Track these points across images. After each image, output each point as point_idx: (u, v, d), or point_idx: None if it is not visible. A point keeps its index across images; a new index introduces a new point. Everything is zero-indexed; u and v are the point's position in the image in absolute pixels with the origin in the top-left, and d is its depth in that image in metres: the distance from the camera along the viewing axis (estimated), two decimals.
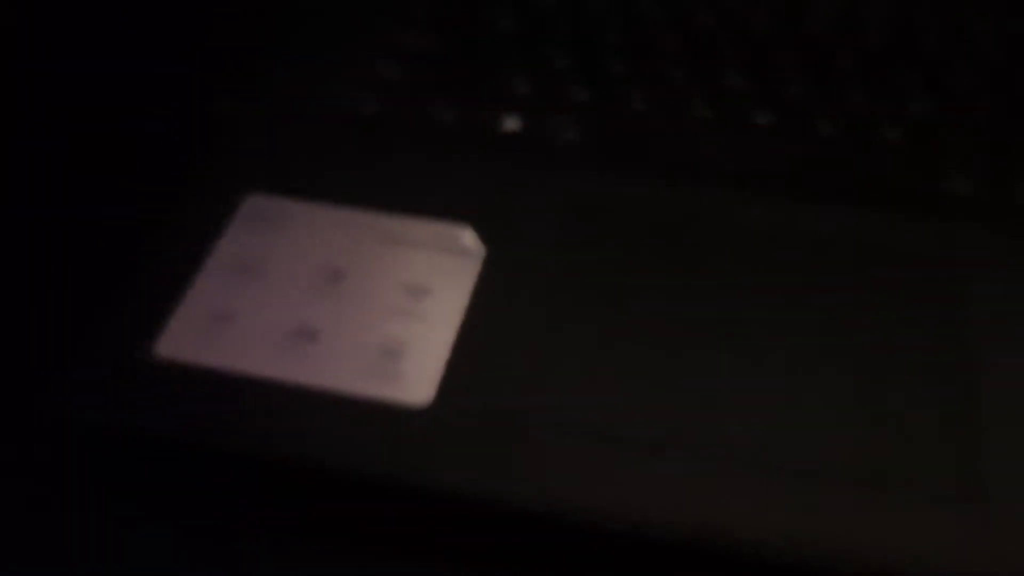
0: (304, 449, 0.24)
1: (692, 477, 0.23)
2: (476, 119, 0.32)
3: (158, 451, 0.26)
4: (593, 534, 0.23)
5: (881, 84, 0.32)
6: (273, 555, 0.24)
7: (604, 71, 0.34)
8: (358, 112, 0.33)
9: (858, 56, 0.33)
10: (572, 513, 0.23)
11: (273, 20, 0.36)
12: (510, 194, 0.30)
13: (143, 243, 0.30)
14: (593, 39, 0.35)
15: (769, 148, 0.31)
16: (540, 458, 0.24)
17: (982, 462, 0.23)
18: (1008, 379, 0.25)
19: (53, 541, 0.25)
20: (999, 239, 0.28)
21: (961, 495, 0.23)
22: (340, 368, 0.26)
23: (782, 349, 0.26)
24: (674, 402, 0.25)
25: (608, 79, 0.33)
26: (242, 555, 0.24)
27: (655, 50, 0.34)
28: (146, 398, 0.26)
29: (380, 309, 0.27)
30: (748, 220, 0.29)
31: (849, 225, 0.29)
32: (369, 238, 0.29)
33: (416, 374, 0.26)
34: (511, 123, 0.32)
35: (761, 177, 0.30)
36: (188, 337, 0.26)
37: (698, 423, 0.24)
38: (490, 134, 0.32)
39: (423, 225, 0.29)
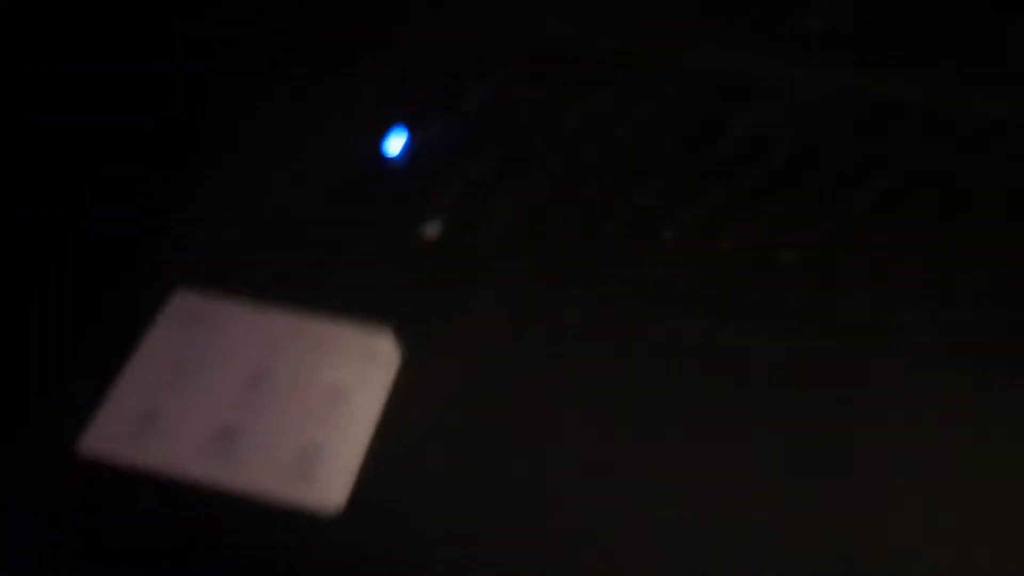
0: (218, 551, 0.25)
1: None
2: (403, 223, 0.34)
3: (80, 547, 0.27)
4: None
5: (781, 207, 0.35)
6: None
7: (527, 182, 0.36)
8: (289, 213, 0.34)
9: (760, 179, 0.36)
10: None
11: (207, 120, 0.38)
12: (431, 300, 0.32)
13: (71, 340, 0.30)
14: (518, 149, 0.37)
15: (675, 265, 0.33)
16: (450, 567, 0.25)
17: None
18: (881, 483, 0.27)
19: None
20: (884, 357, 0.31)
21: None
22: (257, 470, 0.27)
23: (684, 464, 0.28)
24: (581, 512, 0.26)
25: (530, 190, 0.35)
26: None
27: (574, 163, 0.36)
28: (69, 495, 0.26)
29: (300, 412, 0.28)
30: (655, 335, 0.31)
31: (746, 341, 0.31)
32: (293, 340, 0.30)
33: (330, 479, 0.27)
34: (434, 229, 0.34)
35: (667, 293, 0.32)
36: (112, 436, 0.27)
37: (598, 539, 0.26)
38: (416, 239, 0.34)
39: (345, 329, 0.30)
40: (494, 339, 0.31)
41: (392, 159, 0.37)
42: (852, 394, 0.30)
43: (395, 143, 0.37)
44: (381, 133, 0.37)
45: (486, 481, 0.27)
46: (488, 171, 0.36)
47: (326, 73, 0.40)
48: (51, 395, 0.28)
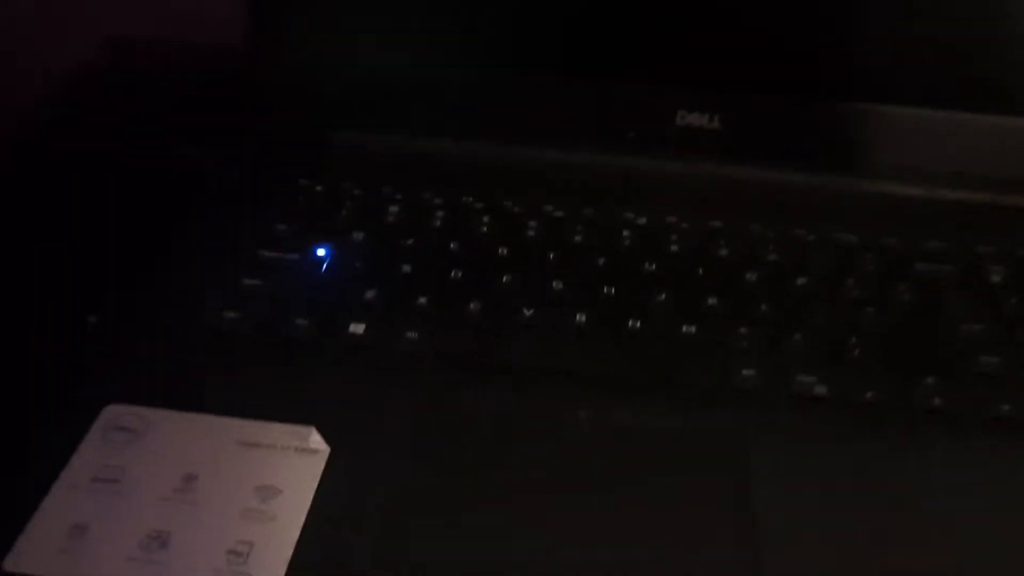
0: None
1: None
2: (327, 328, 0.36)
3: None
4: None
5: (679, 287, 0.38)
6: None
7: (444, 279, 0.38)
8: (220, 325, 0.36)
9: (660, 263, 0.39)
10: None
11: (142, 238, 0.40)
12: (355, 397, 0.33)
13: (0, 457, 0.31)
14: (434, 250, 0.39)
15: (588, 347, 0.35)
16: None
17: None
18: (783, 539, 0.29)
19: None
20: (779, 423, 0.33)
21: None
22: (189, 573, 0.28)
23: (605, 523, 0.30)
24: None
25: (448, 287, 0.38)
26: None
27: (489, 260, 0.39)
28: None
29: (230, 511, 0.29)
30: (567, 417, 0.33)
31: (654, 415, 0.33)
32: (221, 442, 0.31)
33: (261, 574, 0.27)
34: (357, 329, 0.36)
35: (578, 375, 0.35)
36: (39, 551, 0.28)
37: None
38: (340, 341, 0.35)
39: (272, 428, 0.32)
40: (417, 431, 0.32)
41: (316, 271, 0.39)
42: (750, 454, 0.32)
43: (318, 257, 0.39)
44: (304, 249, 0.39)
45: (414, 571, 0.28)
46: (405, 274, 0.38)
47: (249, 194, 0.43)
48: None
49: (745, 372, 0.34)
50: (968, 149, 0.44)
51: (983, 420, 0.33)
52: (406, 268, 0.38)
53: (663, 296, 0.38)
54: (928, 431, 0.33)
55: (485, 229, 0.41)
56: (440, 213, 0.42)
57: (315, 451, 0.31)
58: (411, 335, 0.35)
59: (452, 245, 0.40)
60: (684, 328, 0.36)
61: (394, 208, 0.42)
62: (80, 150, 0.45)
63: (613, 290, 0.38)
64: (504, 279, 0.38)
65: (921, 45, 0.42)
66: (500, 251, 0.40)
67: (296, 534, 0.29)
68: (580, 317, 0.36)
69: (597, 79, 0.45)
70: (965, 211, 0.43)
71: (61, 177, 0.44)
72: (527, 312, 0.37)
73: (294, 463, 0.31)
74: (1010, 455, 0.32)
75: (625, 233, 0.41)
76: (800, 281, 0.39)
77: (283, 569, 0.28)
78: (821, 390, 0.34)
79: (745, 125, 0.45)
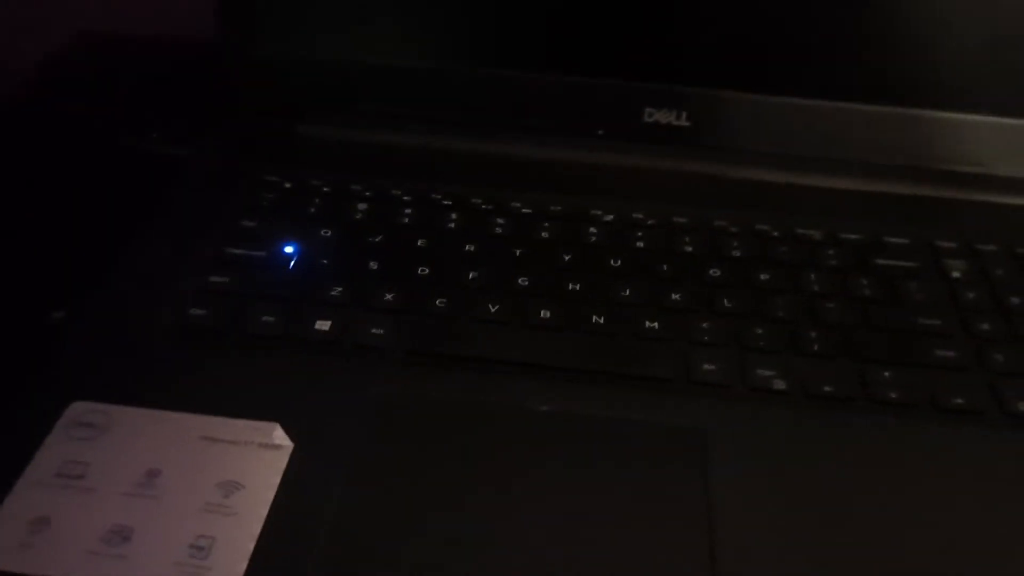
0: None
1: None
2: (293, 323, 0.36)
3: None
4: None
5: (643, 281, 0.38)
6: None
7: (410, 275, 0.38)
8: (186, 322, 0.36)
9: (625, 258, 0.39)
10: None
11: (108, 233, 0.40)
12: (320, 393, 0.33)
13: None
14: (401, 246, 0.40)
15: (552, 341, 0.36)
16: None
17: None
18: (739, 528, 0.30)
19: None
20: (738, 415, 0.34)
21: None
22: (150, 567, 0.28)
23: (565, 514, 0.30)
24: None
25: (415, 282, 0.38)
26: None
27: (456, 255, 0.39)
28: None
29: (192, 506, 0.30)
30: (533, 408, 0.33)
31: (617, 407, 0.34)
32: (185, 438, 0.31)
33: (222, 569, 0.28)
34: (323, 325, 0.36)
35: (544, 367, 0.35)
36: (1, 545, 0.28)
37: None
38: (305, 337, 0.36)
39: (236, 424, 0.32)
40: (381, 426, 0.33)
41: (283, 268, 0.39)
42: (709, 446, 0.32)
43: (285, 254, 0.39)
44: (271, 246, 0.39)
45: (375, 565, 0.29)
46: (372, 270, 0.38)
47: (216, 190, 0.43)
48: None
49: (706, 366, 0.35)
50: (926, 144, 0.44)
51: (937, 412, 0.34)
52: (373, 264, 0.39)
53: (627, 291, 0.38)
54: (884, 423, 0.33)
55: (452, 225, 0.41)
56: (408, 209, 0.42)
57: (278, 447, 0.31)
58: (376, 331, 0.36)
59: (419, 241, 0.40)
60: (647, 322, 0.37)
61: (362, 204, 0.42)
62: (46, 145, 0.45)
63: (578, 285, 0.38)
64: (470, 275, 0.38)
65: (881, 43, 0.43)
66: (467, 247, 0.40)
67: (258, 529, 0.29)
68: (545, 312, 0.37)
69: (566, 75, 0.45)
70: (926, 206, 0.44)
71: (26, 171, 0.44)
72: (492, 307, 0.37)
73: (257, 459, 0.31)
74: (962, 445, 0.33)
75: (591, 229, 0.41)
76: (763, 276, 0.39)
77: (244, 563, 0.28)
78: (780, 384, 0.34)
79: (712, 121, 0.45)
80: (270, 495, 0.30)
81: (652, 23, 0.44)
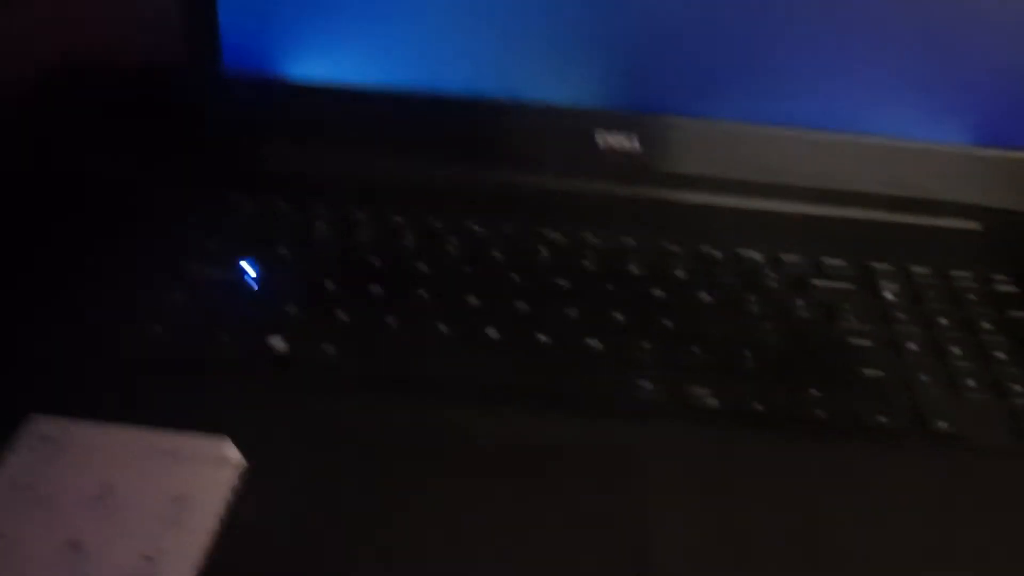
0: None
1: None
2: (248, 342, 0.37)
3: None
4: None
5: (590, 301, 0.40)
6: None
7: (364, 294, 0.40)
8: (145, 339, 0.37)
9: (573, 279, 0.41)
10: None
11: (70, 250, 0.41)
12: (273, 411, 0.35)
13: None
14: (357, 266, 0.41)
15: (498, 359, 0.37)
16: None
17: None
18: (671, 543, 0.31)
19: None
20: (672, 433, 0.35)
21: None
22: None
23: (507, 530, 0.31)
24: None
25: (368, 301, 0.39)
26: None
27: (410, 275, 0.41)
28: None
29: (144, 519, 0.31)
30: (482, 432, 0.35)
31: (558, 429, 0.35)
32: (140, 453, 0.33)
33: None
34: (278, 344, 0.37)
35: (488, 386, 0.36)
36: None
37: None
38: (261, 357, 0.37)
39: (188, 439, 0.33)
40: (331, 444, 0.34)
41: (242, 287, 0.40)
42: (644, 463, 0.34)
43: (244, 274, 0.41)
44: (230, 265, 0.41)
45: None
46: (327, 290, 0.40)
47: (179, 209, 0.44)
48: None
49: (643, 384, 0.36)
50: (868, 169, 0.46)
51: (861, 430, 0.35)
52: (329, 284, 0.40)
53: (573, 311, 0.40)
54: (810, 440, 0.35)
55: (408, 244, 0.43)
56: (364, 230, 0.43)
57: (229, 461, 0.33)
58: (329, 350, 0.37)
59: (374, 261, 0.42)
60: (590, 342, 0.38)
61: (321, 224, 0.43)
62: (10, 163, 0.46)
63: (527, 305, 0.40)
64: (422, 294, 0.40)
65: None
66: (420, 267, 0.41)
67: (207, 541, 0.30)
68: (492, 332, 0.38)
69: (519, 99, 0.46)
70: (866, 229, 0.46)
71: None
72: (442, 327, 0.38)
73: (208, 474, 0.32)
74: (883, 463, 0.34)
75: (542, 249, 0.43)
76: (704, 297, 0.41)
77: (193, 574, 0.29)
78: (713, 402, 0.36)
79: (662, 145, 0.47)
80: (219, 509, 0.31)
81: (604, 48, 0.45)
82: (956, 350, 0.39)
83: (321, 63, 0.47)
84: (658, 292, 0.41)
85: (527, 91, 0.46)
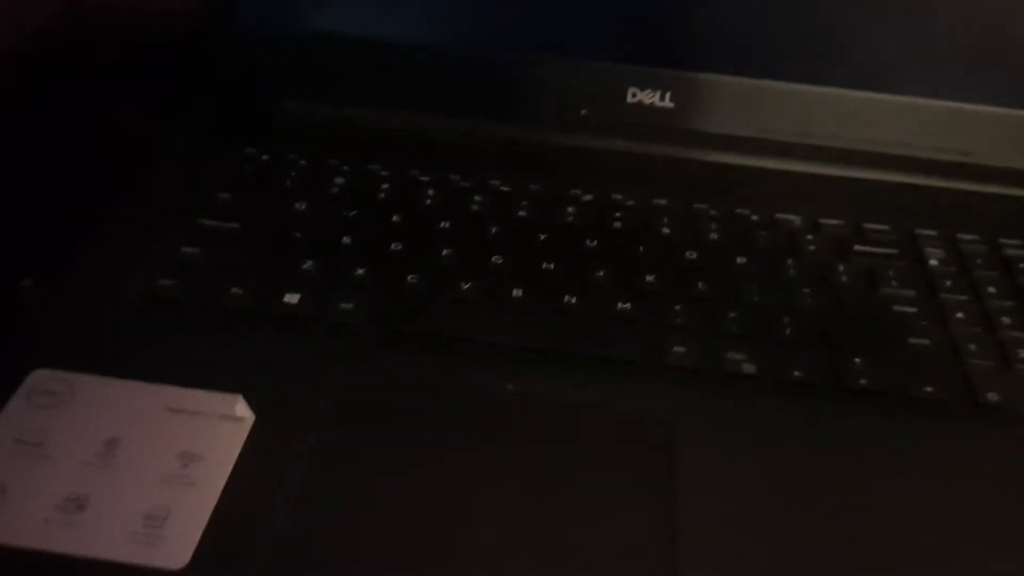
0: None
1: None
2: (262, 297, 0.36)
3: None
4: None
5: (619, 263, 0.38)
6: None
7: (384, 251, 0.38)
8: (155, 292, 0.35)
9: (602, 240, 0.39)
10: None
11: (82, 202, 0.39)
12: (284, 366, 0.33)
13: None
14: (376, 222, 0.39)
15: (523, 321, 0.35)
16: None
17: None
18: (701, 506, 0.30)
19: None
20: (706, 399, 0.33)
21: None
22: (104, 536, 0.28)
23: (528, 494, 0.30)
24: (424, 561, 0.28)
25: (388, 258, 0.38)
26: None
27: (431, 232, 0.39)
28: None
29: (150, 476, 0.29)
30: (500, 388, 0.33)
31: (584, 389, 0.33)
32: (147, 408, 0.31)
33: (176, 539, 0.28)
34: (292, 299, 0.36)
35: (513, 347, 0.35)
36: None
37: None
38: (274, 311, 0.35)
39: (198, 395, 0.32)
40: (343, 401, 0.32)
41: (256, 240, 0.38)
42: (675, 429, 0.32)
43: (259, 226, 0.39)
44: (245, 218, 0.39)
45: (331, 540, 0.28)
46: (345, 245, 0.38)
47: (194, 161, 0.43)
48: None
49: (676, 348, 0.35)
50: (911, 132, 0.44)
51: (907, 400, 0.34)
52: (346, 239, 0.38)
53: (602, 272, 0.38)
54: (852, 410, 0.33)
55: (429, 202, 0.41)
56: (385, 185, 0.42)
57: (240, 419, 0.31)
58: (346, 306, 0.35)
59: (395, 217, 0.40)
60: (619, 304, 0.36)
61: (339, 179, 0.42)
62: (24, 112, 0.45)
63: (553, 265, 0.38)
64: (444, 252, 0.38)
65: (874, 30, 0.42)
66: (442, 224, 0.40)
67: (214, 500, 0.29)
68: (517, 292, 0.37)
69: (550, 56, 0.44)
70: (909, 194, 0.44)
71: (1, 138, 0.44)
72: (464, 286, 0.37)
73: (218, 430, 0.31)
74: (931, 435, 0.32)
75: (570, 209, 0.41)
76: (740, 260, 0.39)
77: (198, 534, 0.28)
78: (750, 368, 0.34)
79: (696, 104, 0.45)
80: (228, 467, 0.30)
81: (637, 5, 0.43)
82: (1005, 320, 0.37)
83: (347, 15, 0.45)
84: (691, 254, 0.39)
85: (556, 47, 0.44)
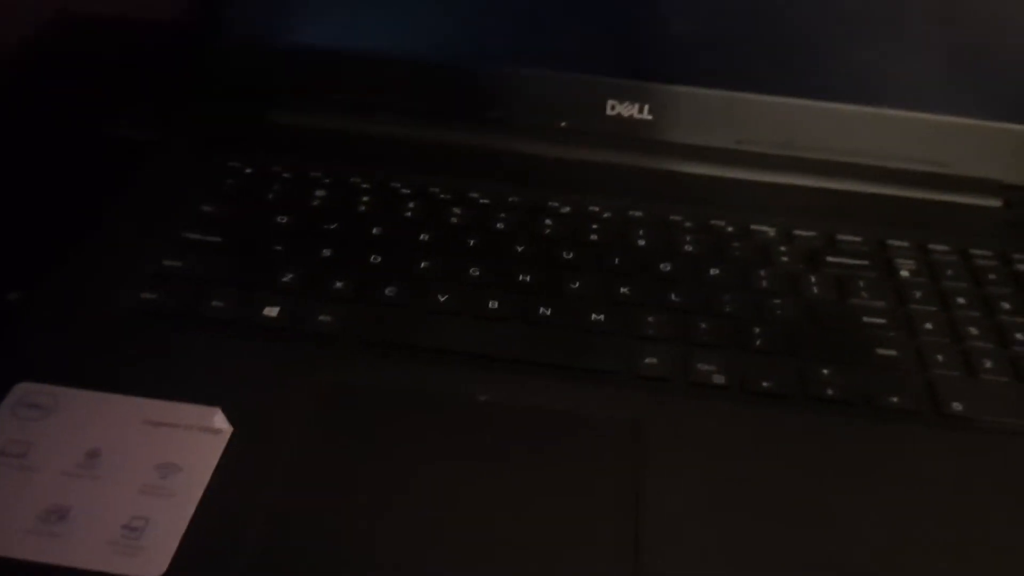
0: None
1: None
2: (243, 309, 0.36)
3: None
4: None
5: (595, 274, 0.39)
6: None
7: (363, 263, 0.39)
8: (137, 305, 0.36)
9: (578, 251, 0.40)
10: None
11: (68, 215, 0.40)
12: (263, 378, 0.34)
13: None
14: (356, 234, 0.40)
15: (499, 331, 0.36)
16: None
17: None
18: (665, 512, 0.30)
19: None
20: (676, 409, 0.34)
21: None
22: (85, 545, 0.28)
23: (500, 502, 0.31)
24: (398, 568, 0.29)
25: (367, 270, 0.38)
26: None
27: (410, 244, 0.40)
28: None
29: (130, 487, 0.30)
30: (474, 398, 0.34)
31: (556, 398, 0.34)
32: (128, 420, 0.32)
33: (154, 548, 0.28)
34: (272, 312, 0.36)
35: (489, 357, 0.35)
36: None
37: None
38: (255, 322, 0.36)
39: (178, 407, 0.32)
40: (321, 413, 0.33)
41: (237, 252, 0.39)
42: (645, 439, 0.33)
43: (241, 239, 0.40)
44: (228, 230, 0.40)
45: (307, 551, 0.29)
46: (325, 257, 0.39)
47: (178, 174, 0.43)
48: None
49: (648, 359, 0.35)
50: (885, 143, 0.45)
51: (872, 410, 0.34)
52: (326, 251, 0.39)
53: (577, 283, 0.38)
54: (819, 419, 0.34)
55: (409, 214, 0.42)
56: (366, 198, 0.42)
57: (218, 431, 0.32)
58: (324, 318, 0.36)
59: (374, 229, 0.41)
60: (594, 315, 0.37)
61: (320, 192, 0.42)
62: (10, 124, 0.46)
63: (529, 276, 0.39)
64: (423, 264, 0.39)
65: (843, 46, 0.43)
66: (421, 236, 0.40)
67: (192, 511, 0.29)
68: (493, 303, 0.37)
69: (530, 69, 0.45)
70: (883, 205, 0.44)
71: None
72: (442, 297, 0.37)
73: (196, 442, 0.31)
74: (895, 444, 0.33)
75: (547, 221, 0.42)
76: (713, 271, 0.39)
77: (175, 543, 0.29)
78: (720, 378, 0.35)
79: (673, 116, 0.45)
80: (206, 478, 0.30)
81: (617, 16, 0.44)
82: (972, 330, 0.38)
83: (332, 28, 0.45)
84: (665, 265, 0.39)
85: (537, 60, 0.45)
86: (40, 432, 0.32)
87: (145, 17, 0.53)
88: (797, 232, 0.42)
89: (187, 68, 0.47)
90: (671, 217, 0.42)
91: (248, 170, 0.43)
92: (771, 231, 0.42)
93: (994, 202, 0.45)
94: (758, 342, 0.36)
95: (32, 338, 0.35)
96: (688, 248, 0.41)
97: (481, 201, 0.43)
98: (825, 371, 0.35)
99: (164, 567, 0.28)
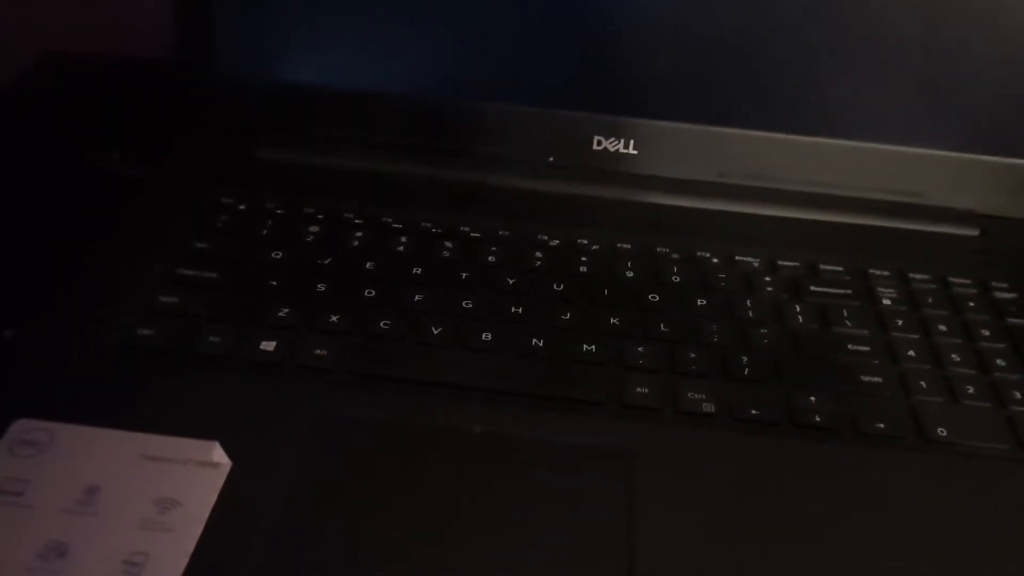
0: None
1: None
2: (239, 344, 0.37)
3: None
4: None
5: (584, 305, 0.39)
6: None
7: (357, 297, 0.39)
8: (133, 342, 0.37)
9: (568, 283, 0.41)
10: None
11: (61, 252, 0.41)
12: (260, 413, 0.34)
13: None
14: (350, 269, 0.41)
15: (491, 363, 0.37)
16: None
17: None
18: (658, 541, 0.31)
19: None
20: (665, 435, 0.35)
21: None
22: None
23: (499, 527, 0.31)
24: None
25: (360, 304, 0.39)
26: None
27: (403, 278, 0.40)
28: None
29: (129, 522, 0.30)
30: (467, 430, 0.34)
31: (549, 429, 0.34)
32: (126, 456, 0.32)
33: None
34: (268, 346, 0.37)
35: (482, 389, 0.36)
36: None
37: None
38: (250, 358, 0.36)
39: (176, 442, 0.33)
40: (318, 447, 0.33)
41: (232, 289, 0.39)
42: (636, 468, 0.33)
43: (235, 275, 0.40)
44: (222, 267, 0.40)
45: None
46: (319, 292, 0.39)
47: (171, 210, 0.44)
48: None
49: (638, 389, 0.36)
50: (864, 176, 0.46)
51: (858, 436, 0.35)
52: (320, 287, 0.40)
53: (567, 314, 0.39)
54: (806, 446, 0.35)
55: (401, 248, 0.42)
56: (359, 233, 0.43)
57: (216, 465, 0.32)
58: (320, 352, 0.37)
59: (368, 264, 0.41)
60: (584, 346, 0.38)
61: (314, 227, 0.43)
62: (2, 161, 0.46)
63: (520, 308, 0.39)
64: (416, 297, 0.39)
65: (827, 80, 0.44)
66: (414, 270, 0.41)
67: (192, 546, 0.30)
68: (486, 335, 0.38)
69: (518, 105, 0.46)
70: (864, 235, 0.45)
71: None
72: (435, 330, 0.38)
73: (195, 476, 0.32)
74: (881, 469, 0.34)
75: (537, 253, 0.43)
76: (700, 301, 0.40)
77: None
78: (709, 407, 0.36)
79: (658, 150, 0.47)
80: (206, 513, 0.31)
81: (602, 57, 0.45)
82: (954, 357, 0.39)
83: (320, 65, 0.46)
84: (653, 296, 0.40)
85: (525, 97, 0.46)
86: (37, 469, 0.32)
87: (132, 55, 0.53)
88: (780, 262, 0.43)
89: (177, 104, 0.48)
90: (658, 249, 0.43)
91: (241, 206, 0.44)
92: (755, 262, 0.43)
93: (971, 231, 0.46)
94: (745, 371, 0.37)
95: (28, 375, 0.36)
96: (675, 279, 0.42)
97: (472, 235, 0.43)
98: (811, 398, 0.36)
99: None
